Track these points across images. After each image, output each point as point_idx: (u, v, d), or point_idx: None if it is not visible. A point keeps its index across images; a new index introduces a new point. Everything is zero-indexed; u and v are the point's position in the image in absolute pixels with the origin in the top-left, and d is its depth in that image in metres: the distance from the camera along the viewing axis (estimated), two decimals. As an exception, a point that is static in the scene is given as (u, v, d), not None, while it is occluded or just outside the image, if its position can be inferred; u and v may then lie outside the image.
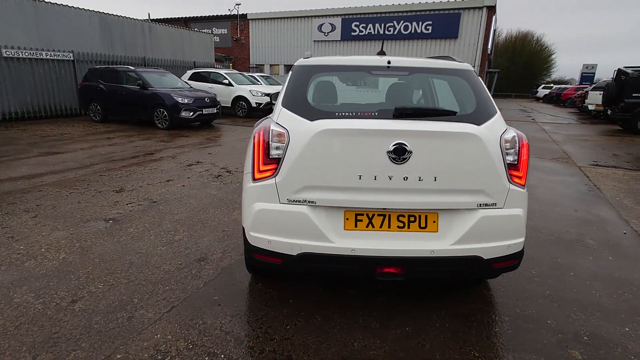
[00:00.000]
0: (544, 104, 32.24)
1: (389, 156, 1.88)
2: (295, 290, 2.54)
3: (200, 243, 3.21)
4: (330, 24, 18.54)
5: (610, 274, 2.89)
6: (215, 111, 10.43)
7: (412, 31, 16.98)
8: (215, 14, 22.51)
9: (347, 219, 2.00)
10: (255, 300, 2.42)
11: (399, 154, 1.87)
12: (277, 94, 4.55)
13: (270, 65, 20.73)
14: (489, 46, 17.44)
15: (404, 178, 1.91)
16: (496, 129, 2.00)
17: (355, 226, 2.00)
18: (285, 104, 2.11)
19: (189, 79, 13.32)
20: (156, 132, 9.36)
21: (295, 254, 2.01)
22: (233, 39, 21.42)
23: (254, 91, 12.95)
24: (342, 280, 2.64)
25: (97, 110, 10.60)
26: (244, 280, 2.66)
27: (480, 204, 1.98)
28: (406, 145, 1.86)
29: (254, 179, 2.07)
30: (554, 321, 2.29)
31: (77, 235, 3.28)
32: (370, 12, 17.64)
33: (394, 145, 1.87)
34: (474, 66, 16.57)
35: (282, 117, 2.05)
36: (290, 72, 2.31)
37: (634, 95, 10.87)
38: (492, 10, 15.61)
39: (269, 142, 1.99)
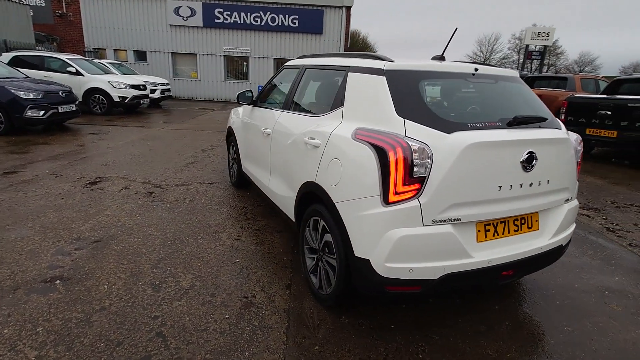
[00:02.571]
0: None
1: (522, 165, 1.93)
2: (383, 314, 2.34)
3: (223, 284, 2.57)
4: (189, 7, 16.66)
5: (565, 236, 3.72)
6: (74, 108, 8.20)
7: (279, 24, 16.98)
8: (21, -21, 17.17)
9: (479, 231, 1.96)
10: (360, 338, 2.12)
11: (530, 162, 1.94)
12: (245, 92, 3.89)
13: (115, 50, 17.31)
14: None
15: (529, 184, 2.00)
16: (569, 133, 2.29)
17: (486, 237, 1.99)
18: (406, 115, 1.88)
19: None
20: (-14, 139, 6.74)
21: (437, 278, 1.86)
22: (56, 14, 16.84)
23: (115, 82, 10.72)
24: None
25: None
26: (323, 317, 2.29)
27: (566, 199, 2.26)
28: (534, 153, 1.95)
29: (387, 203, 1.79)
30: (579, 284, 2.82)
31: (23, 316, 2.14)
32: (234, 0, 16.75)
33: (527, 153, 1.92)
34: (337, 61, 17.94)
35: (413, 131, 1.83)
36: (380, 79, 2.03)
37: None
38: (349, 9, 17.09)
39: (412, 159, 1.75)
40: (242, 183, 4.59)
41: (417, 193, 1.78)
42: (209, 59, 17.89)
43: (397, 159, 1.75)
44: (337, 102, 2.36)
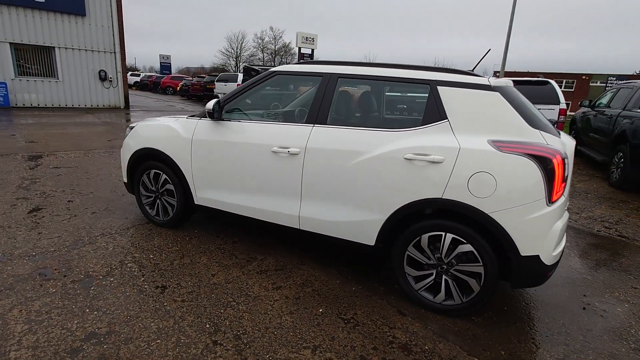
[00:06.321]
0: (140, 91, 31.60)
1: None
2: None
3: (351, 343, 2.13)
4: None
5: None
6: None
7: (16, -4, 12.08)
8: None
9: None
10: (508, 328, 2.34)
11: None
12: (215, 103, 2.93)
13: None
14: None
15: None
16: None
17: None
18: (537, 127, 2.20)
19: None
20: None
21: (561, 256, 2.36)
22: None
23: None
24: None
25: None
26: (467, 325, 2.34)
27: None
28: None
29: (551, 202, 2.10)
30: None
31: None
32: None
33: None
34: (114, 52, 14.83)
35: (549, 139, 2.18)
36: (495, 95, 2.22)
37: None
38: (118, -9, 14.20)
39: (566, 163, 2.11)
40: (183, 220, 3.51)
41: (564, 190, 2.18)
42: None
43: (558, 164, 2.07)
44: (432, 116, 2.36)
